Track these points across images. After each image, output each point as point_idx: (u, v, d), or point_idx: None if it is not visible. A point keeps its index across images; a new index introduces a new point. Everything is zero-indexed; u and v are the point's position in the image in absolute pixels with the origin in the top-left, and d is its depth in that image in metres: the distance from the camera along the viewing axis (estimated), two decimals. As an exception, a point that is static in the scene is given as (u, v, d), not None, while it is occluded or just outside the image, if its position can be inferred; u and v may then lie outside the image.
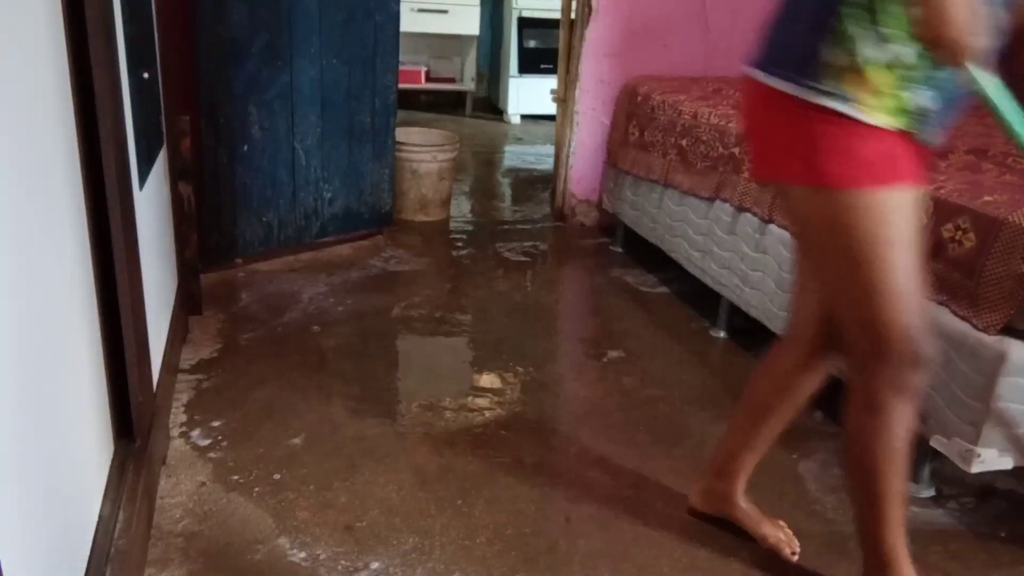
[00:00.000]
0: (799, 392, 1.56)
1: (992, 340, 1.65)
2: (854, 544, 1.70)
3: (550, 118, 4.37)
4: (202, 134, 2.66)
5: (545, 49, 5.50)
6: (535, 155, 4.94)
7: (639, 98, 3.15)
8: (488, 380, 2.30)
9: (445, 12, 5.57)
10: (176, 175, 2.32)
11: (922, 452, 1.86)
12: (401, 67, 3.35)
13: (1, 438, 0.90)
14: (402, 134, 3.43)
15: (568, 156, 3.54)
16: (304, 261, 3.01)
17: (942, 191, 1.82)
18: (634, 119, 3.17)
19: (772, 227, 2.32)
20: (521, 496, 1.79)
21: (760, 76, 1.35)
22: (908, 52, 1.18)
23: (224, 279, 2.80)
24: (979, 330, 1.67)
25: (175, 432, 1.93)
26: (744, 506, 1.68)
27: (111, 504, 1.37)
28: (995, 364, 1.63)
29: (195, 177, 2.41)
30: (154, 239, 1.94)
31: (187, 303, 2.45)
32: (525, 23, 5.60)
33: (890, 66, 1.19)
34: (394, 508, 1.72)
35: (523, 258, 3.24)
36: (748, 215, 2.42)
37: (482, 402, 2.17)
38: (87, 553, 1.24)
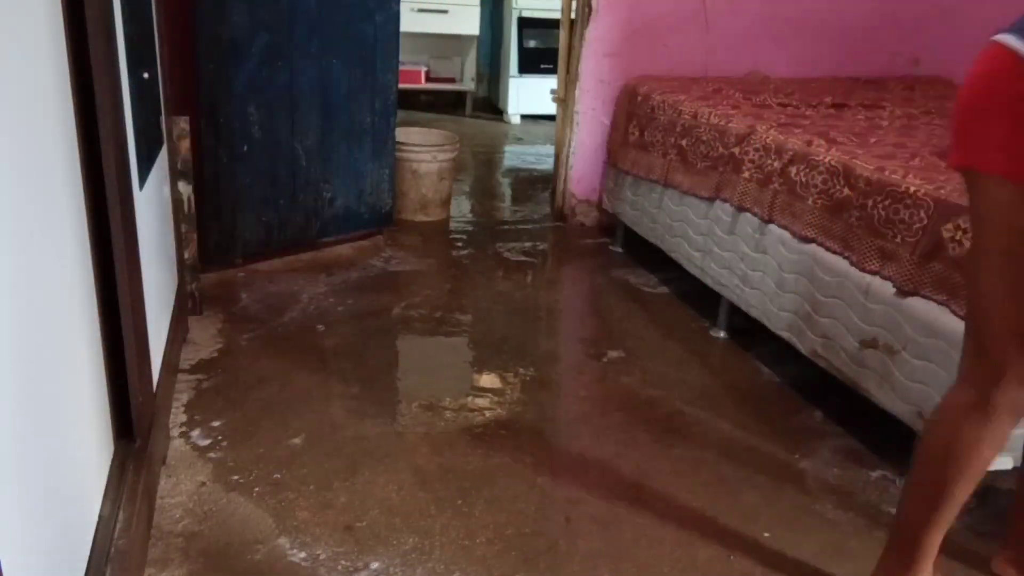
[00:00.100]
0: None
1: (992, 340, 1.65)
2: (855, 544, 1.70)
3: (550, 118, 4.37)
4: (202, 134, 2.66)
5: (545, 49, 5.50)
6: (535, 155, 4.94)
7: (639, 98, 3.15)
8: (488, 380, 2.30)
9: (445, 12, 5.57)
10: (176, 175, 2.32)
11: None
12: (401, 67, 3.35)
13: (1, 438, 0.90)
14: (402, 134, 3.43)
15: (568, 156, 3.54)
16: (304, 261, 3.01)
17: (942, 191, 1.82)
18: (634, 119, 3.17)
19: (772, 227, 2.32)
20: (521, 496, 1.79)
21: (1012, 41, 1.16)
22: None
23: (224, 279, 2.80)
24: None
25: (175, 432, 1.93)
26: None
27: (111, 504, 1.37)
28: (995, 364, 1.63)
29: (195, 177, 2.41)
30: (154, 239, 1.94)
31: (187, 303, 2.45)
32: (525, 23, 5.60)
33: None
34: (394, 508, 1.72)
35: (523, 258, 3.24)
36: (748, 215, 2.42)
37: (482, 402, 2.17)
38: (87, 553, 1.24)
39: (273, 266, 2.94)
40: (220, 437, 1.92)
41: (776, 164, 2.31)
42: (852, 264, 2.03)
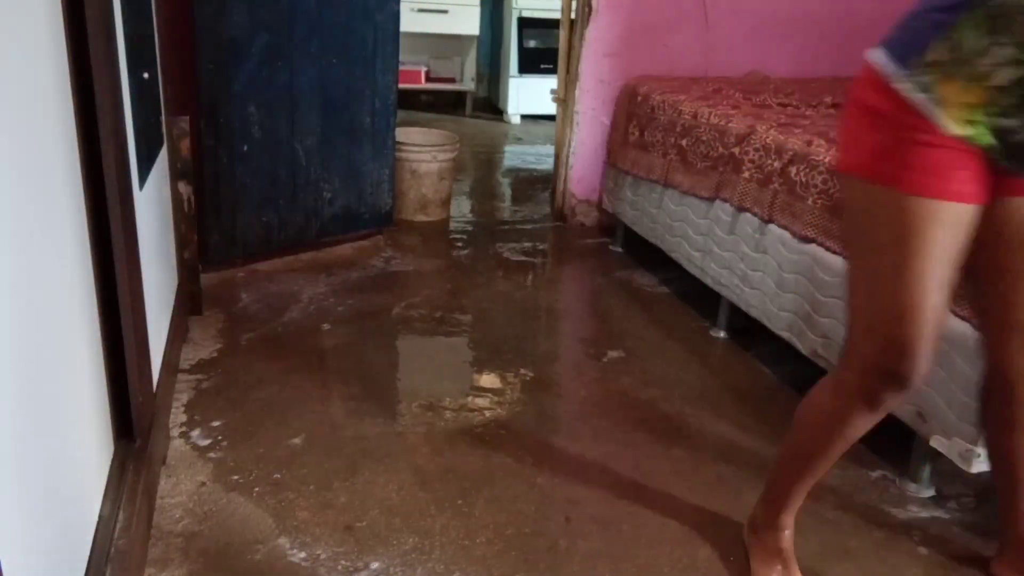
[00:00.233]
0: None
1: (992, 340, 1.65)
2: (855, 544, 1.71)
3: (550, 118, 4.38)
4: (202, 134, 2.66)
5: (545, 49, 5.51)
6: (535, 155, 4.94)
7: (639, 98, 3.15)
8: (488, 380, 2.30)
9: (445, 12, 5.57)
10: (176, 175, 2.32)
11: (922, 452, 1.87)
12: (401, 67, 3.35)
13: (1, 438, 0.90)
14: (402, 134, 3.43)
15: (568, 156, 3.54)
16: (304, 261, 3.01)
17: (942, 191, 1.82)
18: (634, 119, 3.17)
19: (772, 227, 2.32)
20: (521, 496, 1.79)
21: (869, 54, 1.27)
22: (1009, 73, 1.12)
23: (224, 279, 2.80)
24: (979, 330, 1.67)
25: (175, 432, 1.93)
26: None
27: (111, 504, 1.37)
28: (995, 364, 1.63)
29: (195, 177, 2.41)
30: (154, 239, 1.94)
31: (187, 303, 2.45)
32: (525, 23, 5.60)
33: (983, 79, 1.14)
34: (394, 508, 1.72)
35: (523, 258, 3.24)
36: (748, 215, 2.42)
37: (482, 402, 2.17)
38: (87, 553, 1.24)
39: (273, 266, 2.94)
40: (220, 437, 1.92)
41: (776, 164, 2.31)
42: (852, 264, 2.03)
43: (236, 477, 1.78)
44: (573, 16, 3.42)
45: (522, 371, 2.34)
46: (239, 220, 2.83)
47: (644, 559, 1.63)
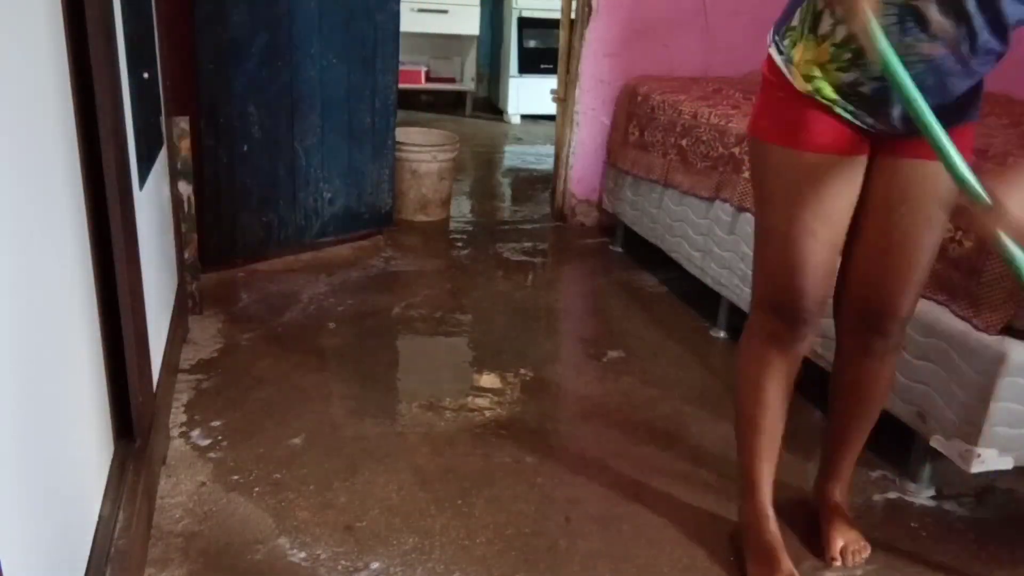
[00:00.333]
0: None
1: (992, 340, 1.65)
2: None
3: (550, 118, 4.37)
4: (202, 134, 2.66)
5: (545, 49, 5.50)
6: (535, 155, 4.94)
7: (639, 98, 3.15)
8: (488, 380, 2.30)
9: (445, 12, 5.57)
10: (176, 175, 2.32)
11: (922, 452, 1.87)
12: (401, 67, 3.35)
13: (1, 438, 0.90)
14: (402, 134, 3.43)
15: (568, 156, 3.54)
16: (304, 261, 3.01)
17: (942, 191, 1.82)
18: (634, 119, 3.17)
19: (772, 227, 2.31)
20: (521, 496, 1.79)
21: (769, 35, 1.43)
22: (844, 30, 1.24)
23: (224, 279, 2.80)
24: (979, 330, 1.67)
25: (175, 432, 1.93)
26: None
27: (111, 504, 1.37)
28: (995, 364, 1.63)
29: (195, 177, 2.41)
30: (154, 239, 1.94)
31: (187, 303, 2.45)
32: (525, 23, 5.60)
33: (826, 38, 1.28)
34: (394, 508, 1.72)
35: (523, 258, 3.24)
36: (748, 215, 2.42)
37: (482, 402, 2.17)
38: (87, 553, 1.24)
39: (273, 266, 2.94)
40: (220, 437, 1.92)
41: (776, 164, 2.31)
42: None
43: (236, 477, 1.78)
44: (573, 16, 3.42)
45: (522, 371, 2.34)
46: (239, 220, 2.83)
47: (644, 559, 1.63)
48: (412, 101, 5.96)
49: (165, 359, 1.95)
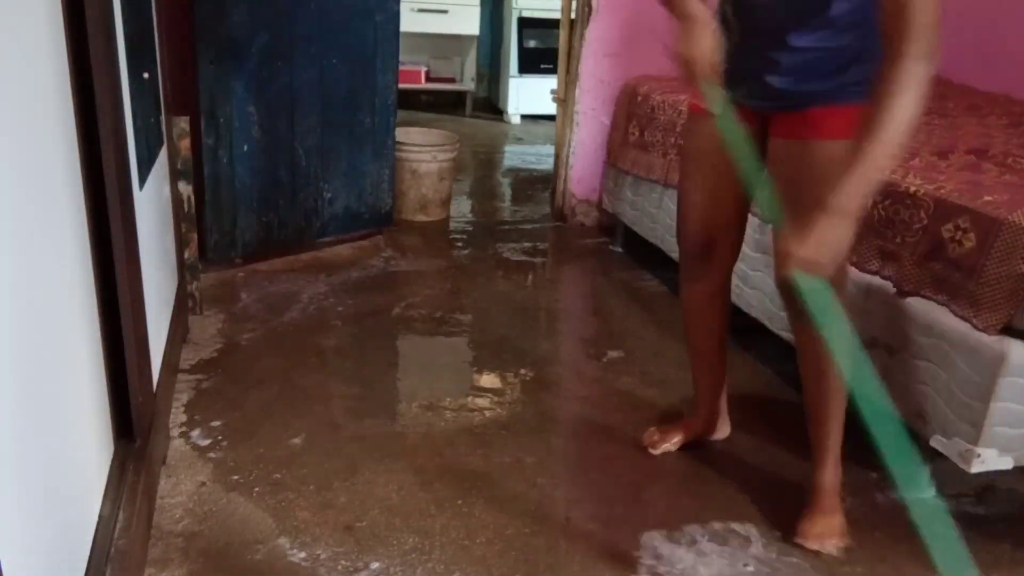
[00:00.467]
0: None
1: (992, 340, 1.65)
2: (855, 543, 1.70)
3: (550, 118, 4.37)
4: (202, 134, 2.66)
5: (545, 49, 5.50)
6: (535, 155, 4.94)
7: (639, 98, 3.15)
8: (488, 380, 2.30)
9: (445, 12, 5.57)
10: (176, 175, 2.32)
11: (922, 452, 1.86)
12: (401, 67, 3.35)
13: (1, 438, 0.90)
14: (402, 134, 3.43)
15: (568, 156, 3.54)
16: (304, 261, 3.01)
17: (942, 191, 1.82)
18: (634, 119, 3.17)
19: (771, 227, 2.31)
20: (521, 496, 1.79)
21: None
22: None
23: (224, 279, 2.80)
24: (979, 330, 1.67)
25: (175, 432, 1.93)
26: None
27: (111, 504, 1.37)
28: (995, 364, 1.63)
29: (195, 177, 2.41)
30: (154, 239, 1.94)
31: (187, 303, 2.45)
32: (525, 23, 5.60)
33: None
34: (394, 508, 1.72)
35: (523, 258, 3.24)
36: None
37: (482, 402, 2.17)
38: (87, 553, 1.24)
39: (273, 266, 2.94)
40: (220, 437, 1.92)
41: (776, 164, 2.31)
42: (852, 264, 2.03)
43: (236, 477, 1.78)
44: (573, 16, 3.42)
45: (522, 371, 2.34)
46: (239, 220, 2.83)
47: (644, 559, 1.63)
48: (412, 101, 5.95)
49: (165, 359, 1.95)
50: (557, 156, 3.63)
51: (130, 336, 1.49)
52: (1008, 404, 1.65)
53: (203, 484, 1.75)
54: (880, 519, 1.79)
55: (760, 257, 2.37)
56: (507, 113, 5.80)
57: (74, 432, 1.24)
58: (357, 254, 3.13)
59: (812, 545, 1.66)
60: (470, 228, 3.57)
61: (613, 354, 2.48)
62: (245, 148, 2.77)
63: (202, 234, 2.66)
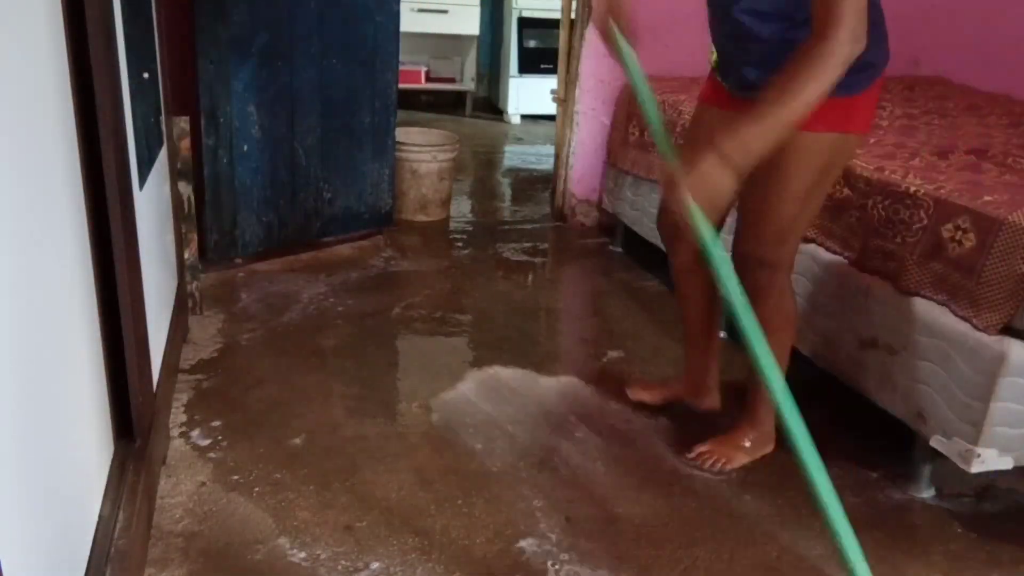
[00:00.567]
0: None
1: (992, 340, 1.65)
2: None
3: (550, 118, 4.37)
4: (202, 134, 2.66)
5: (545, 49, 5.50)
6: (535, 155, 4.94)
7: (639, 98, 3.15)
8: (488, 380, 2.30)
9: (445, 12, 5.57)
10: (176, 175, 2.32)
11: (922, 452, 1.87)
12: (401, 67, 3.35)
13: (1, 438, 0.90)
14: (402, 134, 3.43)
15: (568, 156, 3.54)
16: (304, 261, 3.01)
17: (942, 191, 1.82)
18: (634, 119, 3.17)
19: (772, 227, 2.31)
20: (521, 496, 1.79)
21: None
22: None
23: (224, 279, 2.80)
24: (979, 330, 1.68)
25: (175, 432, 1.93)
26: None
27: (111, 504, 1.37)
28: (995, 364, 1.63)
29: (195, 177, 2.41)
30: (154, 239, 1.94)
31: (187, 303, 2.45)
32: (525, 23, 5.60)
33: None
34: (394, 508, 1.72)
35: (523, 258, 3.24)
36: (748, 215, 2.42)
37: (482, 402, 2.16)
38: (87, 553, 1.24)
39: (273, 266, 2.94)
40: (220, 437, 1.92)
41: (776, 164, 2.31)
42: (852, 264, 2.03)
43: (236, 477, 1.78)
44: (573, 16, 3.42)
45: (522, 371, 2.34)
46: (239, 220, 2.83)
47: (644, 559, 1.63)
48: (412, 101, 5.95)
49: (165, 359, 1.95)
50: (557, 156, 3.63)
51: (130, 336, 1.49)
52: (1008, 404, 1.65)
53: (203, 484, 1.75)
54: (880, 519, 1.79)
55: (760, 257, 2.37)
56: (507, 113, 5.80)
57: (74, 432, 1.24)
58: (357, 254, 3.13)
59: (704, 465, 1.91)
60: (470, 228, 3.57)
61: (613, 354, 2.48)
62: (245, 148, 2.77)
63: (202, 234, 2.66)
